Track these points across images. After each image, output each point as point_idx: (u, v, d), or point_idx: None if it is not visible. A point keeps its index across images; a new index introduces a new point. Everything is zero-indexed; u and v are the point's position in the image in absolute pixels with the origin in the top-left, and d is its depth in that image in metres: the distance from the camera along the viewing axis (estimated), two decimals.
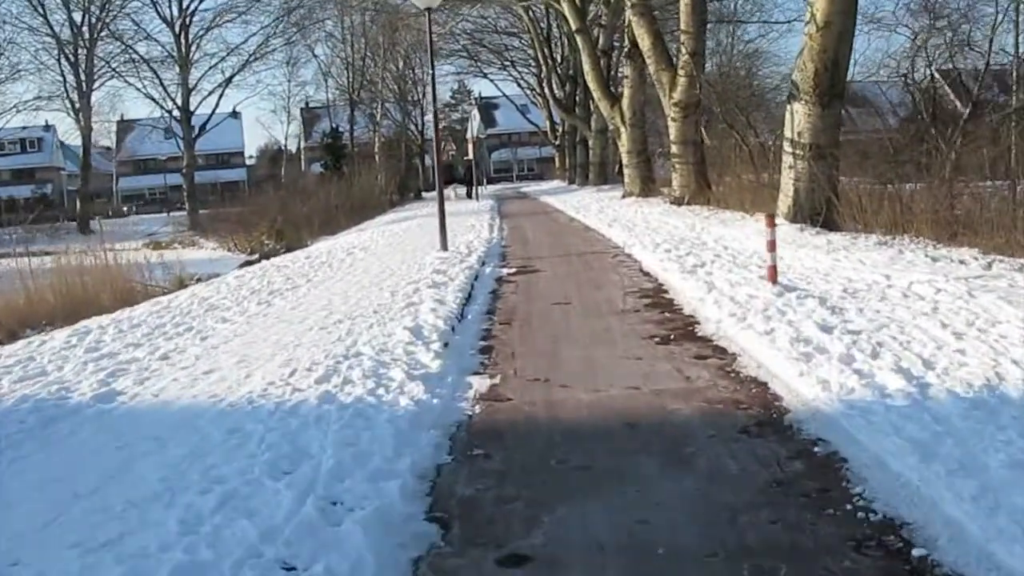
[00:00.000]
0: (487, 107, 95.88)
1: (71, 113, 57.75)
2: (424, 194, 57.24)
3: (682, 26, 21.99)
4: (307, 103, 76.91)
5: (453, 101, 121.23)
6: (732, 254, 12.72)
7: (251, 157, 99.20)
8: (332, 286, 13.92)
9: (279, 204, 38.71)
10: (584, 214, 25.17)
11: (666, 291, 11.16)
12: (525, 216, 28.69)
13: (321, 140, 50.01)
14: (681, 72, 22.17)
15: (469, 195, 41.09)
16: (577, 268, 14.33)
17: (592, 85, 30.90)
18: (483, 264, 15.01)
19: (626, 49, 29.54)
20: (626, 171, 30.29)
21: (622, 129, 29.87)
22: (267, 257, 32.03)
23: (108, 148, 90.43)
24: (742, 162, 23.07)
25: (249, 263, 29.74)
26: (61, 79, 56.00)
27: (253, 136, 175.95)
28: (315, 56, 56.41)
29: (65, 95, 56.60)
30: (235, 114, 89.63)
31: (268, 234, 37.82)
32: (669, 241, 15.17)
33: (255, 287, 14.78)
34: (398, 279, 13.16)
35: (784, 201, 14.26)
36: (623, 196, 30.17)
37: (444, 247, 16.33)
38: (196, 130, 55.99)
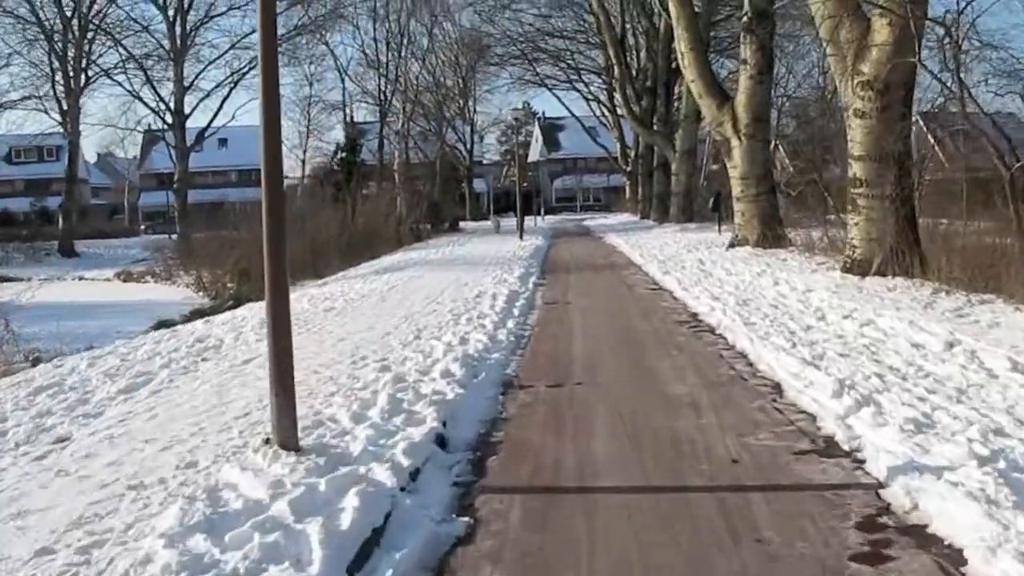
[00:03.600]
0: (551, 128, 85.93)
1: (59, 116, 48.92)
2: (464, 224, 47.20)
3: None
4: (351, 117, 67.47)
5: (516, 123, 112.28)
6: None
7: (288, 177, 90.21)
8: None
9: (251, 237, 28.87)
10: (678, 276, 14.76)
11: None
12: (579, 272, 18.25)
13: (334, 154, 40.15)
14: (881, 24, 11.63)
15: (522, 232, 30.70)
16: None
17: (691, 72, 20.37)
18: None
19: (744, 19, 19.04)
20: (738, 207, 19.72)
21: (733, 142, 19.35)
22: (228, 308, 22.57)
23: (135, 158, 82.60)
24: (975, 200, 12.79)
25: (192, 318, 20.48)
26: (50, 77, 47.41)
27: None
28: (332, 52, 45.89)
29: (53, 95, 47.90)
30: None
31: (232, 276, 28.04)
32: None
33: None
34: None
35: None
36: (731, 245, 19.61)
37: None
38: (195, 139, 46.78)
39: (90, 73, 47.58)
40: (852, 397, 5.89)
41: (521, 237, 29.83)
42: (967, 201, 15.75)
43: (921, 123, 13.23)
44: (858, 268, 12.31)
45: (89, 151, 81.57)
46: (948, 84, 12.10)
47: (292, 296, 16.87)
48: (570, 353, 8.81)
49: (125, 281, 40.32)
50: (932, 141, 17.61)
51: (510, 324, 10.29)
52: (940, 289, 10.89)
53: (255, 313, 14.39)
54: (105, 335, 17.70)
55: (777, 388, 6.79)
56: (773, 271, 14.51)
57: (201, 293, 30.61)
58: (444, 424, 5.80)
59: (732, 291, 12.32)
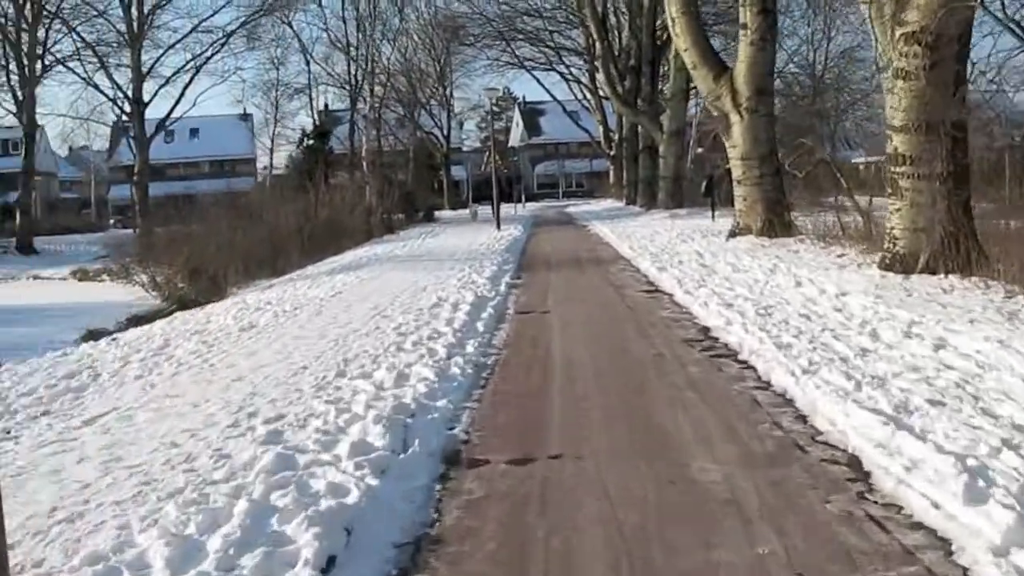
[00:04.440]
0: (531, 112, 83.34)
1: (14, 107, 46.11)
2: (441, 213, 44.72)
3: None
4: (326, 106, 64.63)
5: (497, 109, 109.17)
6: None
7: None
8: None
9: (204, 232, 26.39)
10: (675, 273, 12.46)
11: None
12: (561, 269, 15.89)
13: (300, 142, 37.57)
14: None
15: (498, 222, 28.28)
16: None
17: (684, 40, 17.95)
18: None
19: None
20: (739, 191, 17.41)
21: (733, 118, 17.04)
22: (169, 312, 20.54)
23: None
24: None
25: (128, 325, 18.41)
26: (4, 67, 44.54)
27: None
28: (297, 34, 42.88)
29: (7, 85, 45.10)
30: (245, 116, 78.37)
31: (182, 275, 25.55)
32: None
33: None
34: None
35: None
36: (732, 234, 17.33)
37: None
38: (156, 128, 44.18)
39: (47, 61, 44.76)
40: (999, 500, 3.58)
41: (498, 227, 27.46)
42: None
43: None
44: (900, 264, 10.02)
45: (61, 144, 78.46)
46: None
47: (222, 305, 14.44)
48: (546, 396, 6.47)
49: (81, 280, 37.63)
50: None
51: (470, 348, 7.95)
52: (1012, 292, 8.63)
53: (176, 327, 12.02)
54: (28, 347, 15.36)
55: (858, 468, 4.46)
56: (788, 267, 12.22)
57: (155, 293, 28.13)
58: (328, 565, 3.45)
59: (746, 294, 10.02)
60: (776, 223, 16.70)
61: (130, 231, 43.80)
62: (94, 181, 72.22)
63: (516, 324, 9.70)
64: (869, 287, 9.61)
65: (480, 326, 9.17)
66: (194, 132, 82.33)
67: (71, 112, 46.63)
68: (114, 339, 11.94)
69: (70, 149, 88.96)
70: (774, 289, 10.38)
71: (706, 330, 8.62)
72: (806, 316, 8.47)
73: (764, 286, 10.74)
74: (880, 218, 13.63)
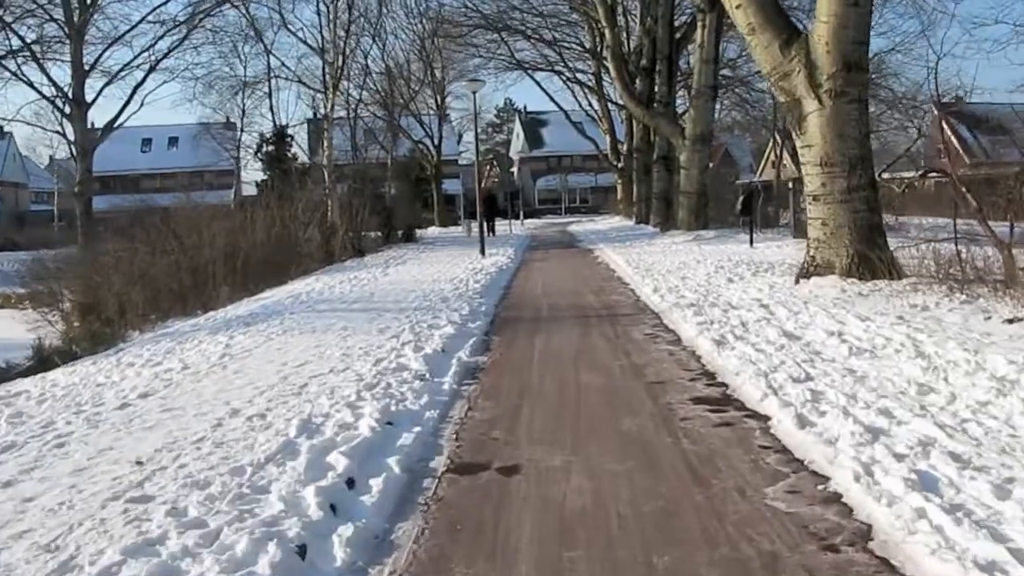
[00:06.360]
0: (533, 123, 78.20)
1: None
2: (429, 231, 39.35)
3: None
4: (315, 113, 59.02)
5: (498, 120, 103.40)
6: None
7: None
8: None
9: (116, 255, 21.01)
10: (749, 354, 7.10)
11: None
12: (554, 329, 10.44)
13: (258, 148, 32.14)
14: None
15: (483, 247, 22.86)
16: None
17: None
18: None
19: None
20: (816, 211, 12.04)
21: (808, 104, 11.73)
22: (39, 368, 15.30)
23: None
24: None
25: None
26: None
27: None
28: (253, 24, 37.04)
29: None
30: (229, 124, 73.30)
31: (74, 312, 20.23)
32: None
33: None
34: None
35: None
36: (804, 274, 12.01)
37: None
38: (102, 132, 38.91)
39: None
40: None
41: (482, 253, 22.05)
42: None
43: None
44: None
45: (43, 153, 73.71)
46: None
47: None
48: None
49: (2, 307, 32.48)
50: None
51: None
52: None
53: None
54: None
55: None
56: (940, 344, 6.91)
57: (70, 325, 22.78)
58: None
59: (930, 431, 4.67)
60: (873, 259, 11.34)
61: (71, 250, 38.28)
62: (57, 193, 66.81)
63: (451, 499, 4.34)
64: None
65: (369, 505, 3.88)
66: (173, 141, 77.28)
67: (17, 117, 41.02)
68: None
69: (50, 158, 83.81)
70: (978, 413, 5.02)
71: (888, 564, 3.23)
72: None
73: (951, 404, 5.38)
74: None
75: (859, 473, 4.28)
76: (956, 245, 11.17)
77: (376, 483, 4.51)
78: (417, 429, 5.58)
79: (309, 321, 11.04)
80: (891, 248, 11.98)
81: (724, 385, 6.73)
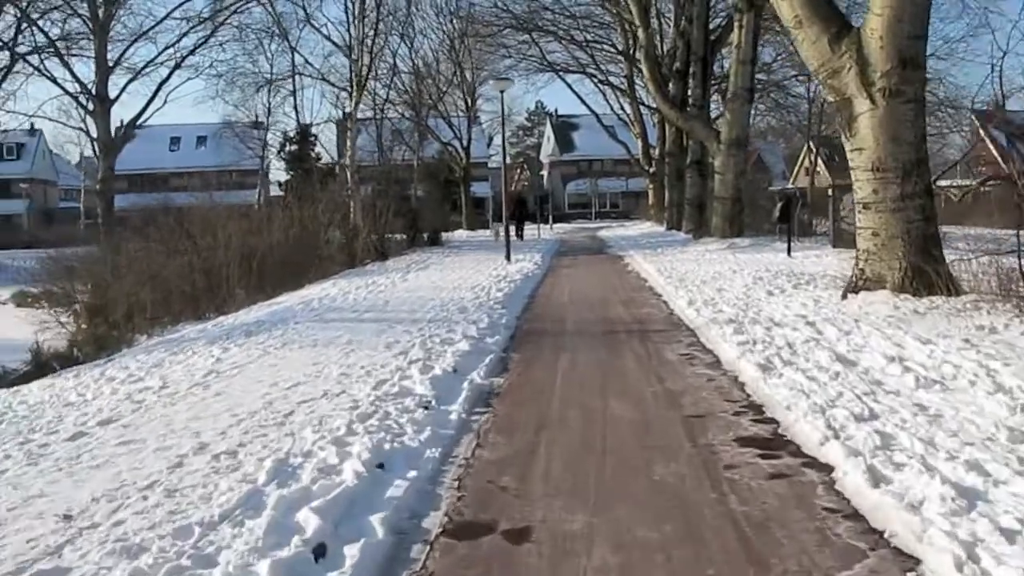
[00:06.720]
0: (564, 127, 77.25)
1: None
2: (456, 234, 38.52)
3: None
4: (342, 112, 58.31)
5: (529, 123, 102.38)
6: None
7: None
8: None
9: (130, 256, 20.36)
10: (803, 383, 6.17)
11: None
12: (580, 346, 9.55)
13: (281, 147, 31.46)
14: None
15: (508, 252, 21.96)
16: None
17: None
18: None
19: None
20: (866, 219, 11.05)
21: (860, 104, 10.74)
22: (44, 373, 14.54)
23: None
24: None
25: None
26: None
27: None
28: (278, 21, 36.37)
29: None
30: (257, 124, 72.94)
31: (82, 314, 19.58)
32: None
33: None
34: None
35: None
36: (852, 289, 11.07)
37: None
38: (125, 129, 38.46)
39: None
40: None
41: (508, 258, 21.17)
42: None
43: None
44: None
45: (73, 151, 73.75)
46: None
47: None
48: None
49: (19, 305, 32.02)
50: None
51: None
52: None
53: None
54: None
55: None
56: (1021, 377, 5.94)
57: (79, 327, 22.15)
58: None
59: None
60: (929, 273, 10.34)
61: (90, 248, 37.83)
62: (84, 190, 66.69)
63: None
64: None
65: None
66: (201, 140, 76.97)
67: (40, 113, 40.52)
68: None
69: (80, 155, 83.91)
70: None
71: None
72: None
73: None
74: None
75: (961, 559, 3.35)
76: (1020, 259, 10.18)
77: (351, 552, 3.65)
78: (412, 474, 4.71)
79: (313, 332, 10.21)
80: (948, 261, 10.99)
81: (774, 422, 5.80)
